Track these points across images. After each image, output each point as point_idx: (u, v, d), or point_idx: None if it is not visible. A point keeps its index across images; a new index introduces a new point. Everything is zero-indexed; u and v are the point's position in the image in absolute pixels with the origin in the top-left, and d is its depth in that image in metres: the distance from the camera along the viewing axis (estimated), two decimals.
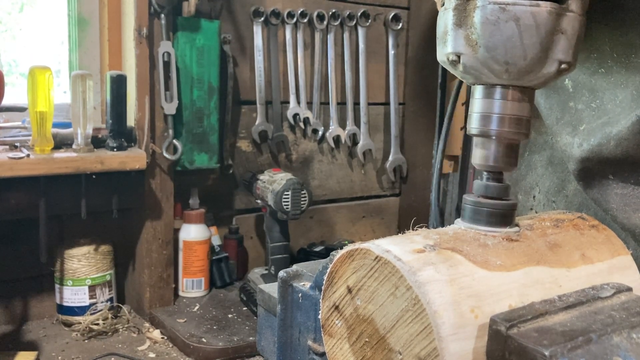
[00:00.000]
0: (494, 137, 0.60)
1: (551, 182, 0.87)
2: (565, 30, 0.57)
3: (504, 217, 0.60)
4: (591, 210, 0.79)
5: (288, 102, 1.87)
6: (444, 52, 0.60)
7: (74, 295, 1.52)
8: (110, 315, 1.52)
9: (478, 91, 0.61)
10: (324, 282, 0.59)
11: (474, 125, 0.61)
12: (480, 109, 0.61)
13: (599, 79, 0.73)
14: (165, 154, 1.55)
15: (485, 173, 0.62)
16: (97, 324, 1.49)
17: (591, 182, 0.74)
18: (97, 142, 1.47)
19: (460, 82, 0.86)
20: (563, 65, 0.58)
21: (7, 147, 1.40)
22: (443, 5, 0.60)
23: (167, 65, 1.54)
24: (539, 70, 0.58)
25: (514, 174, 0.94)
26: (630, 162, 0.70)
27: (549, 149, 0.88)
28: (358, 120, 2.00)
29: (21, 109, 1.46)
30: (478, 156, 0.62)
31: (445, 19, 0.59)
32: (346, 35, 1.93)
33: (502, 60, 0.57)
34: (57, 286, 1.54)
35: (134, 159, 1.45)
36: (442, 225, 0.65)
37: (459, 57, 0.59)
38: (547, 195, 0.88)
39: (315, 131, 1.93)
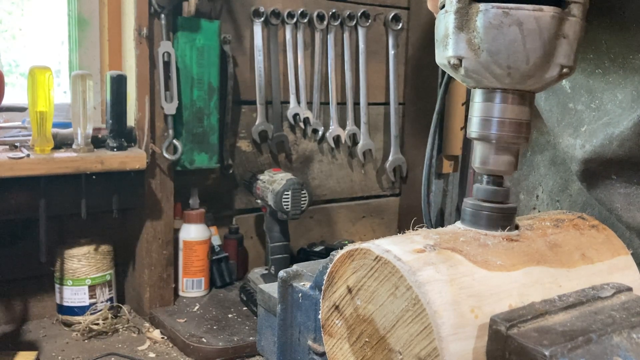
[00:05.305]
0: (494, 141, 0.60)
1: (554, 181, 0.87)
2: (567, 35, 0.57)
3: (503, 220, 0.60)
4: (595, 209, 0.79)
5: (288, 102, 1.87)
6: (445, 55, 0.60)
7: (74, 295, 1.52)
8: (110, 315, 1.52)
9: (478, 95, 0.61)
10: (324, 282, 0.59)
11: (473, 129, 0.61)
12: (480, 113, 0.61)
13: (596, 79, 0.73)
14: (165, 154, 1.55)
15: (485, 176, 0.62)
16: (97, 324, 1.50)
17: (594, 182, 0.74)
18: (97, 142, 1.47)
19: (448, 81, 0.85)
20: (564, 70, 0.58)
21: (7, 147, 1.40)
22: (443, 7, 0.60)
23: (167, 65, 1.54)
24: (541, 75, 0.58)
25: (515, 174, 0.94)
26: (633, 162, 0.70)
27: (552, 148, 0.88)
28: (358, 120, 2.00)
29: (21, 109, 1.46)
30: (478, 160, 0.62)
31: (446, 22, 0.59)
32: (346, 35, 1.93)
33: (504, 64, 0.57)
34: (57, 286, 1.54)
35: (134, 159, 1.45)
36: (442, 225, 0.65)
37: (460, 60, 0.58)
38: (550, 195, 0.88)
39: (315, 131, 1.93)
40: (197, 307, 1.63)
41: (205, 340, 1.44)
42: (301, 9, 1.83)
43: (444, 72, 0.71)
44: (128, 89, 1.49)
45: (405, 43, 2.08)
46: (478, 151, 0.62)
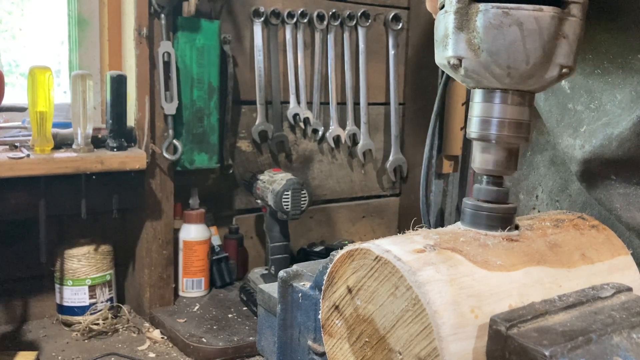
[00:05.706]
0: (493, 141, 0.60)
1: (554, 182, 0.87)
2: (567, 35, 0.57)
3: (503, 221, 0.60)
4: (595, 209, 0.80)
5: (288, 102, 1.87)
6: (445, 55, 0.60)
7: (74, 295, 1.52)
8: (110, 315, 1.53)
9: (478, 95, 0.61)
10: (324, 282, 0.59)
11: (473, 129, 0.61)
12: (480, 113, 0.61)
13: (595, 80, 0.73)
14: (165, 154, 1.55)
15: (485, 177, 0.62)
16: (97, 324, 1.50)
17: (594, 183, 0.74)
18: (97, 142, 1.47)
19: (446, 81, 0.85)
20: (564, 70, 0.58)
21: (7, 147, 1.40)
22: (442, 8, 0.60)
23: (167, 65, 1.54)
24: (541, 75, 0.58)
25: (515, 174, 0.94)
26: (632, 163, 0.70)
27: (551, 149, 0.88)
28: (358, 120, 2.00)
29: (21, 109, 1.46)
30: (478, 160, 0.62)
31: (446, 22, 0.59)
32: (346, 35, 1.93)
33: (504, 64, 0.57)
34: (57, 286, 1.54)
35: (134, 159, 1.45)
36: (442, 225, 0.65)
37: (460, 61, 0.58)
38: (550, 195, 0.88)
39: (315, 131, 1.93)
40: (197, 307, 1.63)
41: (205, 340, 1.44)
42: (301, 9, 1.83)
43: (443, 72, 0.71)
44: (128, 89, 1.49)
45: (405, 43, 2.08)
46: (478, 151, 0.62)
